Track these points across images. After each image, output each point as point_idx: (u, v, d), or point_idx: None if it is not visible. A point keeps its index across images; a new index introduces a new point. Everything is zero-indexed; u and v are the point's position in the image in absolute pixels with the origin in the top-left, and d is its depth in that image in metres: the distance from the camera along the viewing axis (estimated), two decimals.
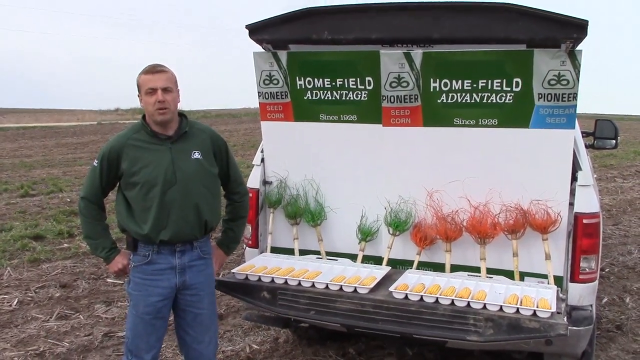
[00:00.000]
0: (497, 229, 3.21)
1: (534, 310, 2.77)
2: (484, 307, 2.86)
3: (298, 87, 3.52)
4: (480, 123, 3.20)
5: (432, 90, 3.23)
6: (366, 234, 3.52)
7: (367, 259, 3.55)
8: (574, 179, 3.11)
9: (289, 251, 3.70)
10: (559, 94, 3.02)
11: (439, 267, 3.39)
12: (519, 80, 3.06)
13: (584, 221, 3.04)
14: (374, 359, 3.95)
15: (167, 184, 2.65)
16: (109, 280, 5.55)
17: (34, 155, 16.02)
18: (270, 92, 3.59)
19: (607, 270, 5.90)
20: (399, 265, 3.49)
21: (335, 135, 3.54)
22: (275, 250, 3.73)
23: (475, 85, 3.14)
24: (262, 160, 3.75)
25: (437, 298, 2.94)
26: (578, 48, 2.96)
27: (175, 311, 2.84)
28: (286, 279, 3.22)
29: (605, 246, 6.63)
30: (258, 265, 3.45)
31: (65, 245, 6.78)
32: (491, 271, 3.26)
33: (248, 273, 3.30)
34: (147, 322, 2.73)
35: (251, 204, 3.35)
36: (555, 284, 3.10)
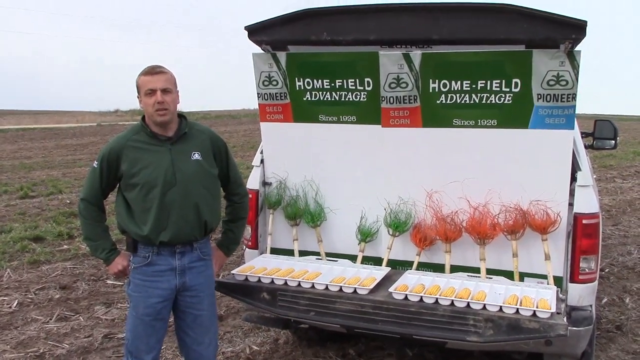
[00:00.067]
0: (496, 230, 3.21)
1: (534, 311, 2.77)
2: (484, 307, 2.86)
3: (297, 88, 3.53)
4: (479, 124, 3.21)
5: (431, 91, 3.23)
6: (366, 235, 3.53)
7: (366, 260, 3.55)
8: (573, 179, 3.11)
9: (289, 252, 3.70)
10: (558, 95, 3.02)
11: (438, 268, 3.39)
12: (518, 80, 3.07)
13: (584, 221, 3.04)
14: None
15: (167, 185, 2.65)
16: (108, 281, 5.55)
17: (33, 157, 16.02)
18: (270, 93, 3.59)
19: (606, 270, 5.90)
20: (398, 266, 3.49)
21: (334, 136, 3.54)
22: (275, 251, 3.73)
23: (474, 86, 3.15)
24: (262, 161, 3.75)
25: (436, 299, 2.94)
26: (577, 48, 2.97)
27: (175, 312, 2.84)
28: (286, 280, 3.22)
29: (605, 246, 6.63)
30: (258, 266, 3.45)
31: (65, 246, 6.78)
32: (491, 272, 3.27)
33: (248, 274, 3.30)
34: (147, 324, 2.73)
35: (251, 205, 3.35)
36: (554, 285, 3.10)
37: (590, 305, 3.10)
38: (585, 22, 2.84)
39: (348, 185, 3.57)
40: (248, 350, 4.09)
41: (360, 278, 3.25)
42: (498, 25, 3.01)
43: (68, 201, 9.49)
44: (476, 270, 3.30)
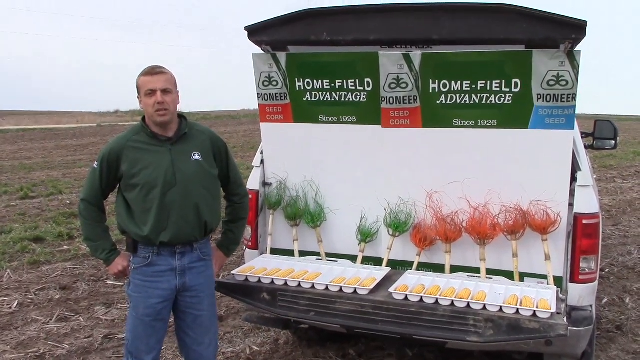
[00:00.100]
0: (496, 230, 3.21)
1: (534, 311, 2.77)
2: (484, 307, 2.86)
3: (297, 89, 3.53)
4: (479, 124, 3.21)
5: (431, 91, 3.23)
6: (366, 235, 3.53)
7: (366, 260, 3.55)
8: (573, 179, 3.11)
9: (289, 252, 3.70)
10: (558, 95, 3.02)
11: (438, 268, 3.39)
12: (518, 81, 3.07)
13: (584, 222, 3.04)
14: None
15: (167, 185, 2.65)
16: (109, 282, 5.55)
17: (33, 158, 16.02)
18: (270, 94, 3.59)
19: (607, 270, 5.90)
20: (398, 266, 3.49)
21: (334, 136, 3.54)
22: (275, 251, 3.73)
23: (474, 86, 3.15)
24: (262, 161, 3.75)
25: (437, 299, 2.94)
26: (577, 48, 2.97)
27: (176, 313, 2.84)
28: (286, 280, 3.22)
29: (605, 247, 6.63)
30: (258, 266, 3.45)
31: (65, 247, 6.78)
32: (491, 272, 3.27)
33: (248, 274, 3.30)
34: (147, 324, 2.73)
35: (251, 205, 3.35)
36: (555, 285, 3.10)
37: (591, 306, 3.10)
38: (585, 22, 2.84)
39: (348, 185, 3.57)
40: (248, 351, 4.09)
41: (361, 278, 3.25)
42: (498, 26, 3.01)
43: (68, 202, 9.49)
44: (476, 270, 3.30)
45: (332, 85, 3.44)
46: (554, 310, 2.76)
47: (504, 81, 3.09)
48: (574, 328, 2.90)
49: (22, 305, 4.98)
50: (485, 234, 3.21)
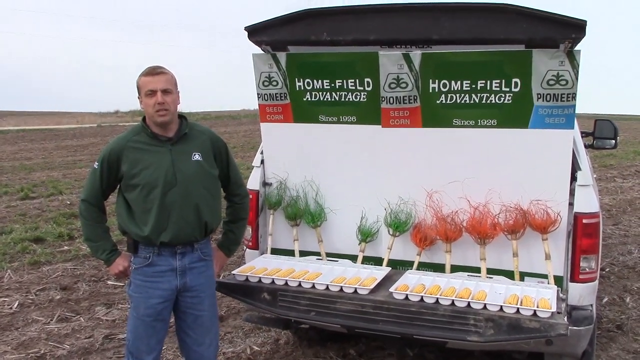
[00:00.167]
0: (497, 229, 3.21)
1: (534, 310, 2.77)
2: (484, 307, 2.86)
3: (297, 89, 3.53)
4: (479, 124, 3.21)
5: (431, 91, 3.23)
6: (366, 235, 3.53)
7: (367, 260, 3.55)
8: (573, 179, 3.11)
9: (289, 252, 3.70)
10: (558, 94, 3.02)
11: (439, 268, 3.39)
12: (517, 80, 3.07)
13: (584, 221, 3.04)
14: None
15: (167, 185, 2.65)
16: (109, 282, 5.55)
17: (34, 158, 16.02)
18: (270, 94, 3.59)
19: (607, 270, 5.90)
20: (399, 266, 3.49)
21: (334, 136, 3.54)
22: (275, 251, 3.73)
23: (474, 86, 3.15)
24: (262, 161, 3.75)
25: (437, 298, 2.94)
26: (577, 48, 2.97)
27: (176, 313, 2.84)
28: (286, 280, 3.22)
29: (606, 246, 6.63)
30: (258, 266, 3.45)
31: (66, 247, 6.78)
32: (491, 271, 3.27)
33: (248, 274, 3.30)
34: (148, 324, 2.73)
35: (251, 205, 3.35)
36: (555, 284, 3.10)
37: (591, 305, 3.10)
38: (585, 21, 2.84)
39: (348, 185, 3.57)
40: (249, 351, 4.10)
41: (361, 278, 3.25)
42: (498, 25, 3.01)
43: (68, 202, 9.49)
44: (477, 270, 3.30)
45: (332, 85, 3.44)
46: (554, 309, 2.76)
47: (503, 81, 3.09)
48: (575, 327, 2.90)
49: (23, 306, 4.98)
50: (485, 234, 3.21)
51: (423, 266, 3.42)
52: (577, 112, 3.08)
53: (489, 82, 3.12)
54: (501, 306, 2.84)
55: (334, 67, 3.41)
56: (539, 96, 3.06)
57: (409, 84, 3.23)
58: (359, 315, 3.04)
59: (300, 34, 3.35)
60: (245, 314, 3.85)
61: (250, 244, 3.73)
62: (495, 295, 2.98)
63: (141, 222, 2.67)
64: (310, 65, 3.47)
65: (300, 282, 3.21)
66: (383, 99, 3.32)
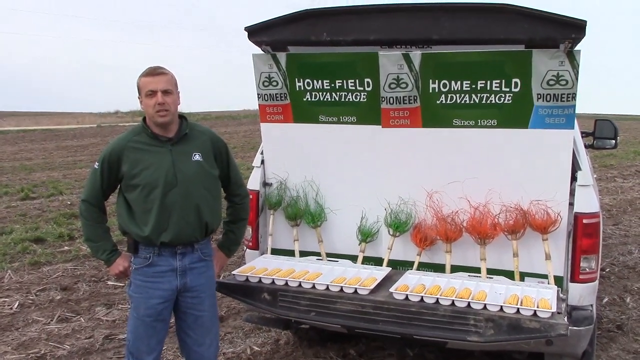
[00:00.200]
0: (497, 230, 3.21)
1: (535, 311, 2.77)
2: (485, 307, 2.86)
3: (297, 89, 3.53)
4: (479, 124, 3.21)
5: (431, 91, 3.23)
6: (366, 235, 3.53)
7: (367, 260, 3.55)
8: (573, 179, 3.11)
9: (290, 253, 3.70)
10: (558, 94, 3.02)
11: (439, 268, 3.39)
12: (517, 80, 3.07)
13: (584, 221, 3.04)
14: None
15: (167, 185, 2.66)
16: (109, 282, 5.55)
17: (34, 158, 16.03)
18: (270, 94, 3.59)
19: (607, 270, 5.90)
20: (399, 266, 3.49)
21: (334, 136, 3.54)
22: (275, 251, 3.73)
23: (474, 86, 3.15)
24: (262, 162, 3.76)
25: (437, 299, 2.94)
26: (577, 48, 2.97)
27: (176, 313, 2.84)
28: (287, 281, 3.22)
29: (606, 246, 6.63)
30: (258, 266, 3.45)
31: (66, 247, 6.78)
32: (491, 271, 3.27)
33: (249, 275, 3.30)
34: (148, 325, 2.73)
35: (251, 205, 3.35)
36: (555, 284, 3.10)
37: (591, 305, 3.10)
38: (585, 21, 2.84)
39: (348, 185, 3.57)
40: (249, 351, 4.10)
41: (361, 278, 3.25)
42: (498, 25, 3.01)
43: (69, 202, 9.49)
44: (477, 270, 3.30)
45: (332, 85, 3.45)
46: (554, 309, 2.76)
47: (503, 81, 3.09)
48: (575, 327, 2.90)
49: (23, 306, 4.99)
50: (485, 234, 3.21)
51: (423, 266, 3.42)
52: (577, 112, 3.08)
53: (489, 82, 3.12)
54: (501, 306, 2.84)
55: (334, 67, 3.41)
56: (539, 96, 3.06)
57: (409, 84, 3.24)
58: (359, 316, 3.04)
59: (301, 34, 3.35)
60: (245, 314, 3.85)
61: (250, 244, 3.74)
62: (495, 295, 2.98)
63: (141, 222, 2.67)
64: (310, 65, 3.47)
65: (300, 282, 3.21)
66: (383, 99, 3.32)
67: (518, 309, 2.80)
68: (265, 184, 3.74)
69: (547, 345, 2.88)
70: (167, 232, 2.67)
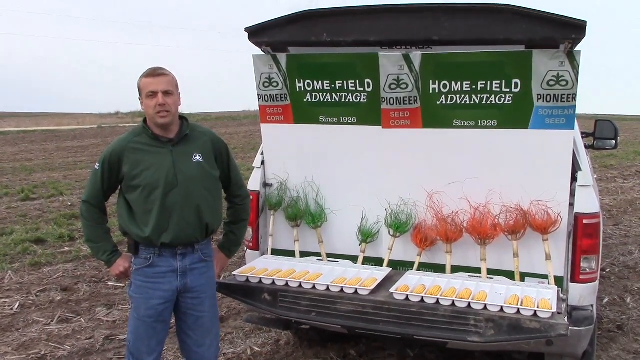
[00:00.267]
0: (497, 230, 3.21)
1: (535, 311, 2.77)
2: (485, 307, 2.86)
3: (297, 90, 3.53)
4: (479, 124, 3.21)
5: (431, 91, 3.23)
6: (367, 236, 3.53)
7: (367, 261, 3.55)
8: (573, 179, 3.12)
9: (290, 253, 3.70)
10: (558, 95, 3.02)
11: (439, 268, 3.39)
12: (518, 81, 3.07)
13: (584, 221, 3.04)
14: None
15: (168, 186, 2.66)
16: (110, 283, 5.56)
17: (34, 159, 16.04)
18: (270, 95, 3.60)
19: (607, 270, 5.90)
20: (399, 267, 3.49)
21: (335, 137, 3.54)
22: (276, 252, 3.74)
23: (474, 87, 3.15)
24: (263, 162, 3.76)
25: (437, 299, 2.94)
26: (577, 49, 2.97)
27: (177, 314, 2.84)
28: (287, 281, 3.22)
29: (606, 246, 6.63)
30: (259, 267, 3.45)
31: (66, 248, 6.78)
32: (492, 272, 3.27)
33: (249, 275, 3.31)
34: (149, 325, 2.73)
35: (252, 206, 3.35)
36: (555, 285, 3.10)
37: (591, 305, 3.10)
38: (585, 22, 2.85)
39: (349, 186, 3.57)
40: (249, 352, 4.10)
41: (361, 279, 3.25)
42: (498, 26, 3.01)
43: (69, 203, 9.50)
44: (477, 270, 3.30)
45: (333, 86, 3.45)
46: (554, 310, 2.76)
47: (504, 81, 3.10)
48: (575, 328, 2.90)
49: (23, 307, 4.99)
50: (486, 234, 3.22)
51: (423, 267, 3.43)
52: (577, 112, 3.08)
53: (489, 82, 3.12)
54: (502, 307, 2.84)
55: (334, 68, 3.42)
56: (539, 97, 3.06)
57: (409, 85, 3.24)
58: (359, 316, 3.04)
59: (301, 35, 3.35)
60: (245, 314, 3.85)
61: (250, 244, 3.74)
62: (495, 295, 2.98)
63: (142, 223, 2.67)
64: (310, 66, 3.48)
65: (300, 282, 3.21)
66: (383, 100, 3.32)
67: (518, 309, 2.80)
68: (265, 185, 3.75)
69: (548, 345, 2.88)
70: (167, 232, 2.67)
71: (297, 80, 3.51)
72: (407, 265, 3.47)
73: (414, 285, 3.11)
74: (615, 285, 5.49)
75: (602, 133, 4.74)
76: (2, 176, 12.70)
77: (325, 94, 3.49)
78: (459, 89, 3.18)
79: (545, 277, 3.16)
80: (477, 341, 2.82)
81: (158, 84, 2.63)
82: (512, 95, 3.10)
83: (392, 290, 3.04)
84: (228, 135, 21.58)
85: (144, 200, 2.66)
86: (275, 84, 3.55)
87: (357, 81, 3.38)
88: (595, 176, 4.08)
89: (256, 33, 3.41)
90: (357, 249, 3.56)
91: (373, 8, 3.23)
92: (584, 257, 3.05)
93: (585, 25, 2.85)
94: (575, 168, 3.12)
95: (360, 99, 3.42)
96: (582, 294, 3.06)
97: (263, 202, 3.73)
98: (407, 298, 2.99)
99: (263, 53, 3.52)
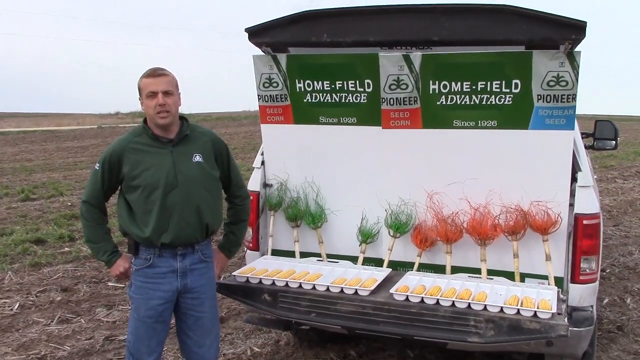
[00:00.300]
0: (497, 231, 3.21)
1: (535, 311, 2.77)
2: (485, 308, 2.86)
3: (298, 90, 3.53)
4: (479, 125, 3.21)
5: (431, 92, 3.23)
6: (367, 236, 3.53)
7: (367, 261, 3.55)
8: (573, 179, 3.12)
9: (290, 254, 3.70)
10: (558, 95, 3.02)
11: (439, 269, 3.39)
12: (518, 81, 3.07)
13: (584, 222, 3.04)
14: None
15: (168, 187, 2.66)
16: (110, 283, 5.55)
17: (34, 159, 16.03)
18: (270, 95, 3.60)
19: (607, 271, 5.90)
20: (399, 267, 3.49)
21: (335, 137, 3.54)
22: (276, 252, 3.74)
23: (474, 87, 3.15)
24: (263, 163, 3.76)
25: (437, 300, 2.94)
26: (577, 49, 2.97)
27: (177, 314, 2.84)
28: (287, 282, 3.22)
29: (606, 247, 6.63)
30: (259, 267, 3.45)
31: (66, 249, 6.78)
32: (492, 272, 3.27)
33: (249, 276, 3.30)
34: (149, 326, 2.73)
35: (252, 206, 3.35)
36: (555, 285, 3.10)
37: (591, 306, 3.10)
38: (585, 22, 2.85)
39: (349, 186, 3.57)
40: (249, 352, 4.10)
41: (361, 279, 3.25)
42: (498, 26, 3.01)
43: (69, 203, 9.50)
44: (477, 271, 3.30)
45: (333, 86, 3.45)
46: (554, 310, 2.76)
47: (504, 82, 3.10)
48: (575, 328, 2.90)
49: (23, 307, 4.99)
50: (486, 235, 3.22)
51: (423, 267, 3.42)
52: (577, 113, 3.08)
53: (489, 83, 3.12)
54: (502, 307, 2.84)
55: (335, 68, 3.42)
56: (539, 97, 3.06)
57: (409, 85, 3.24)
58: (359, 317, 3.04)
59: (301, 36, 3.35)
60: (245, 315, 3.85)
61: (250, 245, 3.74)
62: (495, 296, 2.98)
63: (142, 223, 2.67)
64: (310, 66, 3.48)
65: (300, 283, 3.21)
66: (383, 100, 3.32)
67: (518, 309, 2.80)
68: (265, 185, 3.75)
69: (548, 346, 2.88)
70: (167, 233, 2.67)
71: (297, 80, 3.51)
72: (407, 266, 3.47)
73: (414, 286, 3.11)
74: (615, 286, 5.49)
75: (602, 133, 4.74)
76: (2, 176, 12.70)
77: (325, 94, 3.49)
78: (459, 90, 3.18)
79: (545, 277, 3.16)
80: (477, 342, 2.82)
81: (158, 84, 2.63)
82: (512, 95, 3.10)
83: (392, 290, 3.04)
84: (228, 135, 21.58)
85: (144, 201, 2.66)
86: (275, 85, 3.55)
87: (357, 81, 3.38)
88: (595, 177, 4.08)
89: (256, 33, 3.41)
90: (357, 249, 3.56)
91: (373, 8, 3.23)
92: (584, 258, 3.05)
93: (585, 26, 2.85)
94: (575, 168, 3.12)
95: (360, 100, 3.42)
96: (582, 294, 3.06)
97: (263, 203, 3.73)
98: (407, 299, 2.99)
99: (263, 53, 3.52)
